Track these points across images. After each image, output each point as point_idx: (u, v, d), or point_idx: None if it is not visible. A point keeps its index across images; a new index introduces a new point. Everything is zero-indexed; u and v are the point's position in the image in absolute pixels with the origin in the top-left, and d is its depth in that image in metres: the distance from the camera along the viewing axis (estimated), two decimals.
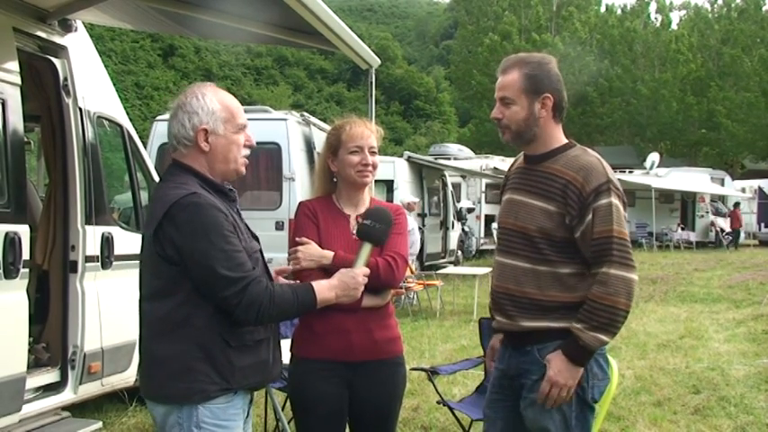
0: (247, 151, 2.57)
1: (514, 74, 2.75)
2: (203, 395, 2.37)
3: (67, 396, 4.90)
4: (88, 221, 5.05)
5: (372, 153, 3.00)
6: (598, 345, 2.63)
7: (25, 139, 4.80)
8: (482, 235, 22.99)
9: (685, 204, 30.29)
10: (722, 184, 31.28)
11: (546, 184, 2.73)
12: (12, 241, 4.18)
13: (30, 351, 4.58)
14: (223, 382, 2.39)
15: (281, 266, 2.87)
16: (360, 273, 2.66)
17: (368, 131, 3.02)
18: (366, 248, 2.74)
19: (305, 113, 10.60)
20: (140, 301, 2.49)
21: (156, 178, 5.95)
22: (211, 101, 2.48)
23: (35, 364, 4.81)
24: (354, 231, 2.92)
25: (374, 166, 3.01)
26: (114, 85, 6.01)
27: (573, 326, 2.64)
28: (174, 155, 2.52)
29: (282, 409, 4.55)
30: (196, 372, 2.36)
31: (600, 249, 2.64)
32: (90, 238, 5.05)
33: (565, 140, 2.82)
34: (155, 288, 2.42)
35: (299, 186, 9.48)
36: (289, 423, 4.38)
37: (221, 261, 2.33)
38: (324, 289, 2.57)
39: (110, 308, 5.14)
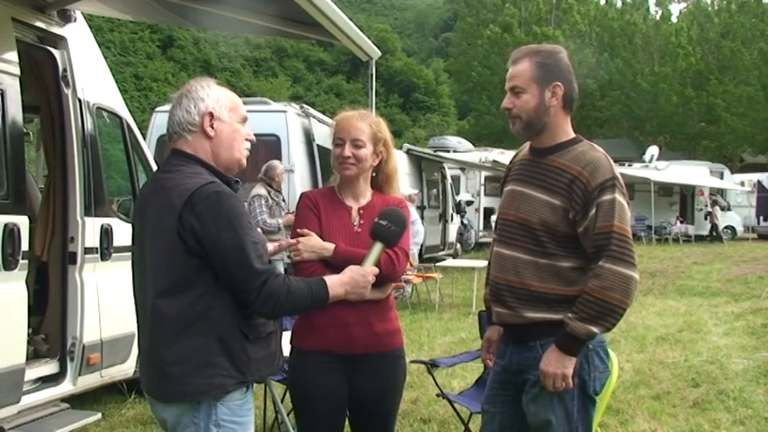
0: (248, 145, 2.55)
1: (525, 63, 2.73)
2: (222, 389, 2.31)
3: (66, 387, 4.90)
4: (87, 213, 5.04)
5: (357, 146, 2.97)
6: (586, 335, 2.61)
7: (24, 131, 4.79)
8: (481, 228, 22.99)
9: (684, 198, 30.31)
10: (721, 178, 31.25)
11: (552, 178, 2.71)
12: (11, 232, 4.17)
13: (29, 342, 4.59)
14: (240, 375, 2.34)
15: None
16: (370, 272, 2.65)
17: (356, 123, 2.99)
18: (377, 248, 2.72)
19: (304, 105, 10.60)
20: (152, 299, 2.32)
21: (156, 169, 5.93)
22: (216, 90, 2.48)
23: (34, 355, 4.81)
24: (356, 227, 2.94)
25: (357, 159, 2.97)
26: (113, 76, 5.99)
27: (565, 315, 2.64)
28: (176, 144, 2.45)
29: (282, 402, 4.55)
30: (215, 366, 2.29)
31: (600, 244, 2.62)
32: (89, 230, 5.04)
33: (572, 134, 2.80)
34: (171, 282, 2.30)
35: (298, 178, 9.48)
36: (288, 415, 4.38)
37: (248, 252, 2.28)
38: (335, 284, 2.54)
39: (109, 299, 5.13)
